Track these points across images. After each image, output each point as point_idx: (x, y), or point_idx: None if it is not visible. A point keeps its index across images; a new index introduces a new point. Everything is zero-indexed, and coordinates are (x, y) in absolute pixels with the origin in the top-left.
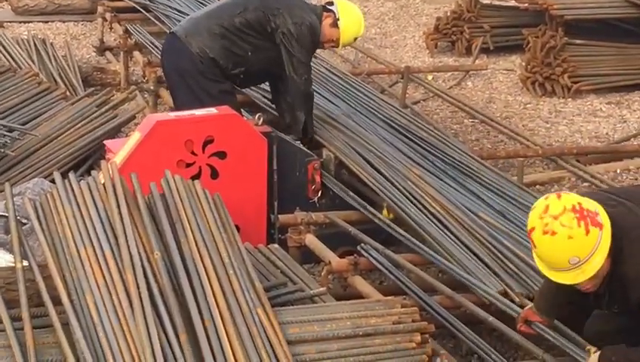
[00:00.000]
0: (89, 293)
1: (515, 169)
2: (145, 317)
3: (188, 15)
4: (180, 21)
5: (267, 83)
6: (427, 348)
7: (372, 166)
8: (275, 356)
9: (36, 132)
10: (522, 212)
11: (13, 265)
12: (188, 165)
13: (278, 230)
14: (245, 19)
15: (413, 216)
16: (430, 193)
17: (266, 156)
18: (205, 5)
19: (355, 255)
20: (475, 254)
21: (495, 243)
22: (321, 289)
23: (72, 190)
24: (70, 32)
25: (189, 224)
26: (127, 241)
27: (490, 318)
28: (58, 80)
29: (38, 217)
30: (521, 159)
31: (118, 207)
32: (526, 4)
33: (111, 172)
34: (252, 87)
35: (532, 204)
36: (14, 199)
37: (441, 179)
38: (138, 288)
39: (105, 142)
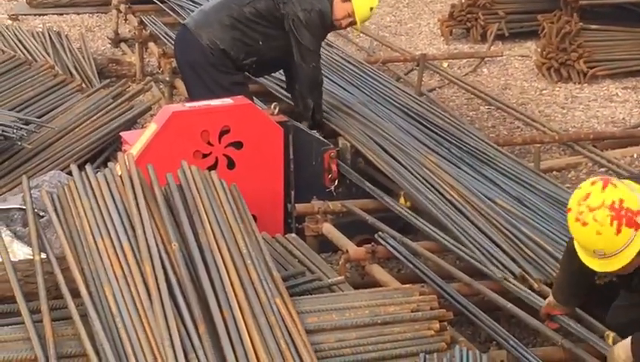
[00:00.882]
0: (107, 285)
1: (531, 155)
2: (163, 309)
3: (202, 5)
4: (193, 12)
5: (282, 71)
6: (446, 336)
7: (388, 154)
8: (294, 345)
9: (52, 124)
10: (539, 198)
11: (32, 257)
12: (204, 156)
13: (296, 219)
14: (255, 8)
15: (430, 203)
16: (447, 180)
17: (282, 145)
18: None
19: (373, 243)
20: (492, 241)
21: (512, 229)
22: (339, 278)
23: (89, 182)
24: (85, 24)
25: (207, 215)
26: (144, 233)
27: (509, 305)
28: (74, 72)
29: (55, 210)
30: (538, 145)
31: (135, 198)
32: None
33: (127, 163)
34: (267, 77)
35: (549, 190)
36: (31, 192)
37: (458, 167)
38: (156, 279)
39: (121, 133)
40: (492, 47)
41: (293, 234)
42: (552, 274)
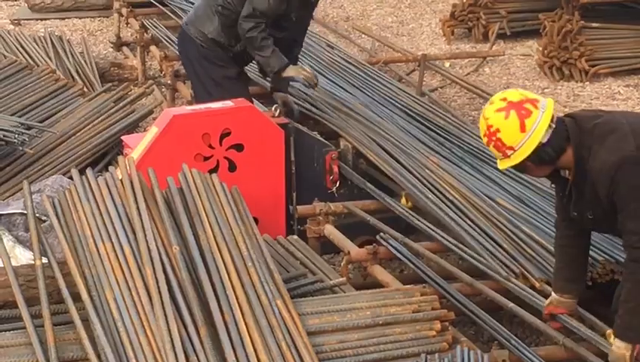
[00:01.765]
0: (108, 289)
1: None
2: (164, 312)
3: None
4: None
5: None
6: (447, 336)
7: (390, 155)
8: (296, 347)
9: (54, 129)
10: (540, 197)
11: (33, 262)
12: (205, 158)
13: (297, 221)
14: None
15: (432, 203)
16: (448, 180)
17: (283, 147)
18: None
19: (375, 244)
20: (493, 240)
21: (513, 228)
22: (341, 279)
23: (90, 186)
24: (87, 28)
25: (207, 217)
26: (145, 236)
27: (511, 304)
28: (75, 76)
29: (56, 214)
30: None
31: (136, 202)
32: None
33: (128, 167)
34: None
35: (550, 189)
36: (33, 196)
37: (459, 167)
38: (157, 283)
39: (122, 137)
40: (494, 47)
41: (295, 236)
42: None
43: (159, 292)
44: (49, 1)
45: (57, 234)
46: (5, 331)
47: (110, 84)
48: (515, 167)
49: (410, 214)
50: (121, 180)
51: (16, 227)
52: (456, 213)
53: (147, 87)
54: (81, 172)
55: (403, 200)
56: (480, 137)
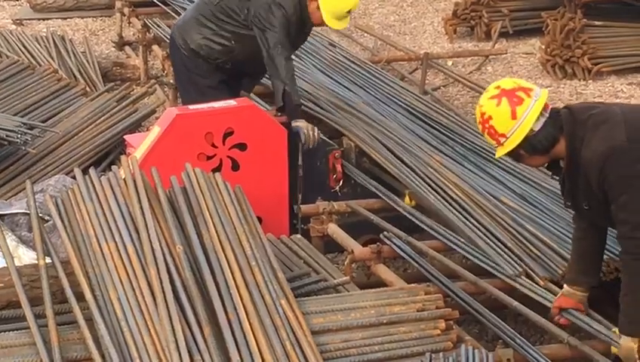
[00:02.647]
0: (112, 289)
1: None
2: (168, 311)
3: None
4: None
5: None
6: (452, 335)
7: (393, 153)
8: (300, 346)
9: (57, 129)
10: (545, 195)
11: (36, 262)
12: (208, 158)
13: (301, 220)
14: (222, 7)
15: (436, 202)
16: (452, 179)
17: (286, 146)
18: None
19: (378, 243)
20: (498, 239)
21: (518, 227)
22: (345, 278)
23: (93, 186)
24: (89, 27)
25: (211, 217)
26: (149, 236)
27: (515, 303)
28: (78, 76)
29: (59, 214)
30: None
31: (140, 201)
32: None
33: (131, 167)
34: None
35: (554, 188)
36: (36, 196)
37: (463, 165)
38: (161, 282)
39: (125, 137)
40: (496, 45)
41: (299, 235)
42: (557, 272)
43: (163, 291)
44: (51, 0)
45: (60, 233)
46: (9, 331)
47: (112, 83)
48: (509, 154)
49: (413, 213)
50: (124, 180)
51: (20, 227)
52: (460, 212)
53: (149, 86)
54: (84, 171)
55: (407, 198)
56: (483, 136)
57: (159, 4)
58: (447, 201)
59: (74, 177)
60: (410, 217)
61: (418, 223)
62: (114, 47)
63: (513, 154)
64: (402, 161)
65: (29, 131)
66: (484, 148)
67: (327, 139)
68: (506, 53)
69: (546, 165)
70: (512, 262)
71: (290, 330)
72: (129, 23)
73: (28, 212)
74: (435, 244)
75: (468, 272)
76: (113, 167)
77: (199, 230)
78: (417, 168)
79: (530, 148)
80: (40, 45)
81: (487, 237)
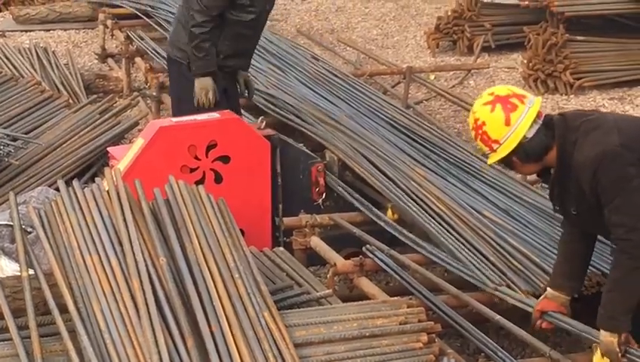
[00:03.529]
0: (95, 300)
1: None
2: (151, 323)
3: None
4: None
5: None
6: (434, 348)
7: (375, 167)
8: (283, 359)
9: (40, 140)
10: (527, 210)
11: (19, 273)
12: (192, 170)
13: (283, 233)
14: (186, 6)
15: (418, 216)
16: (434, 193)
17: (269, 159)
18: None
19: (361, 256)
20: (480, 253)
21: (500, 241)
22: (327, 291)
23: (77, 198)
24: (72, 39)
25: (194, 229)
26: (132, 248)
27: (497, 316)
28: (60, 88)
29: (42, 225)
30: None
31: (123, 213)
32: (527, 2)
33: (115, 179)
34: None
35: (536, 202)
36: (19, 208)
37: (445, 179)
38: (144, 294)
39: (108, 149)
40: (478, 59)
41: (281, 248)
42: (539, 285)
43: (146, 303)
44: (34, 12)
45: (44, 245)
46: None
47: (95, 95)
48: (501, 161)
49: (395, 227)
50: (107, 192)
51: (2, 238)
52: (442, 226)
53: (132, 98)
54: (67, 183)
55: (389, 212)
56: (465, 150)
57: (142, 16)
58: (429, 215)
59: (57, 189)
60: (391, 231)
61: (400, 237)
62: (97, 59)
63: (505, 161)
64: (385, 175)
65: (11, 143)
66: (466, 162)
67: (309, 152)
68: (489, 68)
69: (537, 174)
70: (494, 276)
71: (273, 342)
72: (112, 35)
73: (11, 223)
74: (418, 258)
75: (450, 285)
76: (96, 179)
77: (182, 242)
78: (400, 181)
79: (524, 154)
80: (23, 57)
81: (469, 251)
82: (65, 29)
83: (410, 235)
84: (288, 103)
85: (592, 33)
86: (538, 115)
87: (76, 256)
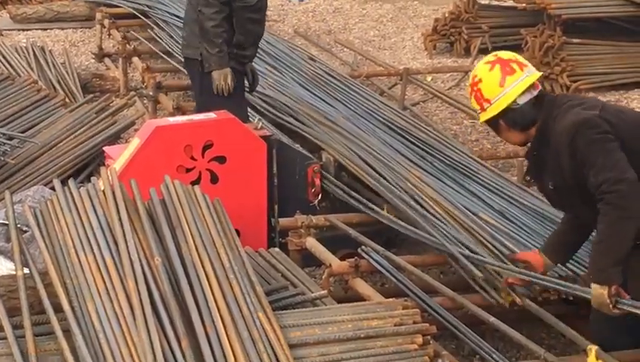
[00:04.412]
0: (90, 300)
1: (515, 169)
2: (146, 323)
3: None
4: (178, 26)
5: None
6: (429, 350)
7: (372, 168)
8: (277, 359)
9: (36, 139)
10: (522, 212)
11: (14, 272)
12: (187, 170)
13: (279, 233)
14: (191, 3)
15: (414, 217)
16: (430, 194)
17: (265, 160)
18: None
19: (356, 257)
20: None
21: (496, 243)
22: (322, 292)
23: (72, 197)
24: (69, 39)
25: (189, 229)
26: (127, 247)
27: (492, 319)
28: (57, 87)
29: (38, 224)
30: (521, 159)
31: (118, 213)
32: (524, 4)
33: (110, 178)
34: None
35: (532, 204)
36: (14, 207)
37: (441, 180)
38: (139, 294)
39: (104, 148)
40: (476, 61)
41: (277, 249)
42: (535, 288)
43: (141, 303)
44: (31, 11)
45: (39, 244)
46: None
47: (92, 95)
48: (489, 122)
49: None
50: (103, 191)
51: None
52: (438, 227)
53: (129, 98)
54: (63, 183)
55: (384, 213)
56: (462, 152)
57: (139, 16)
58: (425, 216)
59: (53, 188)
60: (389, 224)
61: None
62: (94, 58)
63: (493, 122)
64: (381, 176)
65: (8, 142)
66: (462, 164)
67: (306, 153)
68: None
69: (521, 145)
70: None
71: (268, 343)
72: (109, 34)
73: (6, 222)
74: (413, 259)
75: (445, 287)
76: (92, 179)
77: (178, 242)
78: (396, 183)
79: (511, 120)
80: (20, 56)
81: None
82: (62, 28)
83: (407, 226)
84: (285, 104)
85: (589, 36)
86: (534, 86)
87: (71, 255)
